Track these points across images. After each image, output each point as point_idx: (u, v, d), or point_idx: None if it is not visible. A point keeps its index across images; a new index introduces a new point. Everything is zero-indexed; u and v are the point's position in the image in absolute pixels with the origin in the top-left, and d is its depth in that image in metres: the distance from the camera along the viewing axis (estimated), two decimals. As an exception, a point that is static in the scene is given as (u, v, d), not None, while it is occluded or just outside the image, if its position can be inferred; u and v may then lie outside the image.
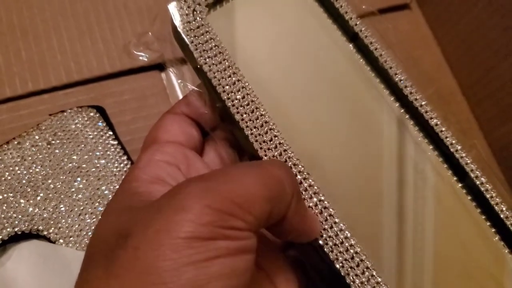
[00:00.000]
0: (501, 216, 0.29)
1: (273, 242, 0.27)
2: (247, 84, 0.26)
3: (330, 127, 0.29)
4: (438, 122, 0.29)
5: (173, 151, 0.26)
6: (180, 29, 0.26)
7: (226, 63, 0.26)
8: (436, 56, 0.51)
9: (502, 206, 0.29)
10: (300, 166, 0.25)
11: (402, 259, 0.27)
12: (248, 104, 0.26)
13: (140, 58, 0.28)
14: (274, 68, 0.28)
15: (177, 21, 0.26)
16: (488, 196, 0.29)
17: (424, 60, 0.50)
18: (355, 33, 0.30)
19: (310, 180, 0.25)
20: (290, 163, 0.25)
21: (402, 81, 0.29)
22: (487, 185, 0.29)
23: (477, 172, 0.29)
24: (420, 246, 0.28)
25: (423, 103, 0.29)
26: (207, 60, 0.26)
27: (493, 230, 0.29)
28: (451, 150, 0.29)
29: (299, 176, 0.25)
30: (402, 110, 0.30)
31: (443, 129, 0.29)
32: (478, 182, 0.29)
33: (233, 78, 0.26)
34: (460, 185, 0.29)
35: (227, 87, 0.26)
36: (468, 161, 0.29)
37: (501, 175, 0.46)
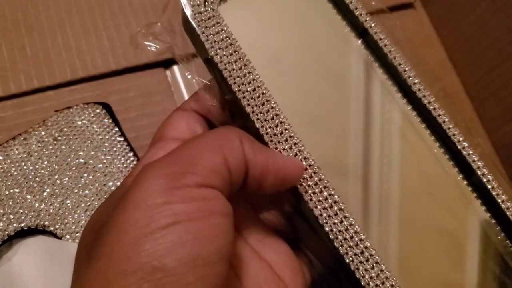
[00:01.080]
0: (507, 213, 0.29)
1: (279, 235, 0.27)
2: (257, 76, 0.26)
3: (338, 125, 0.29)
4: (446, 119, 0.29)
5: None
6: (191, 19, 0.26)
7: (237, 55, 0.26)
8: (439, 55, 0.51)
9: (508, 203, 0.29)
10: (310, 160, 0.25)
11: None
12: (259, 97, 0.26)
13: (148, 48, 0.28)
14: (282, 61, 0.28)
15: (188, 11, 0.26)
16: (494, 193, 0.29)
17: (428, 59, 0.50)
18: (365, 29, 0.30)
19: (321, 174, 0.25)
20: (300, 157, 0.25)
21: (411, 78, 0.29)
22: (494, 183, 0.29)
23: (484, 170, 0.29)
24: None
25: (431, 100, 0.29)
26: (218, 51, 0.26)
27: (498, 227, 0.29)
28: (459, 147, 0.29)
29: (309, 170, 0.25)
30: (409, 107, 0.30)
31: (451, 126, 0.29)
32: (484, 180, 0.29)
33: (244, 70, 0.26)
34: (466, 182, 0.29)
35: (238, 79, 0.26)
36: (475, 159, 0.29)
37: (504, 173, 0.46)
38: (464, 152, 0.29)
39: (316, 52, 0.29)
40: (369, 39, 0.30)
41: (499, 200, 0.29)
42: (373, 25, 0.30)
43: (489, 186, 0.29)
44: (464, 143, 0.29)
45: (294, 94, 0.28)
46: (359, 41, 0.30)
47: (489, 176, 0.29)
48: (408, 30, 0.50)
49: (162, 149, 0.25)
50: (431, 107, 0.29)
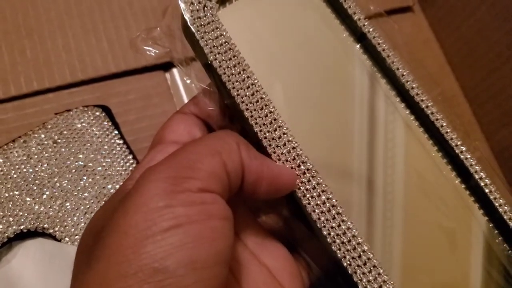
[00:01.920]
0: (505, 217, 0.29)
1: (278, 238, 0.27)
2: (256, 81, 0.26)
3: (340, 128, 0.29)
4: (444, 124, 0.29)
5: None
6: (190, 24, 0.26)
7: (236, 60, 0.26)
8: (438, 59, 0.51)
9: (505, 207, 0.29)
10: (308, 164, 0.26)
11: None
12: (257, 101, 0.26)
13: (148, 53, 0.28)
14: (281, 66, 0.29)
15: (188, 16, 0.26)
16: (492, 197, 0.29)
17: (427, 63, 0.50)
18: (363, 34, 0.30)
19: (319, 178, 0.25)
20: (298, 161, 0.26)
21: (409, 82, 0.29)
22: (491, 187, 0.29)
23: (482, 174, 0.29)
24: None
25: (429, 104, 0.29)
26: (217, 56, 0.26)
27: (496, 231, 0.29)
28: (456, 151, 0.29)
29: (307, 174, 0.25)
30: (408, 111, 0.30)
31: (449, 130, 0.29)
32: (482, 184, 0.29)
33: (243, 75, 0.26)
34: (464, 186, 0.29)
35: (237, 83, 0.26)
36: (473, 163, 0.29)
37: (502, 177, 0.46)
38: (461, 156, 0.29)
39: (315, 56, 0.30)
40: (368, 43, 0.30)
41: (497, 204, 0.29)
42: (371, 29, 0.30)
43: (487, 190, 0.29)
44: (462, 147, 0.29)
45: (294, 97, 0.28)
46: (358, 46, 0.30)
47: (486, 180, 0.29)
48: (407, 34, 0.50)
49: (161, 152, 0.25)
50: (429, 112, 0.29)
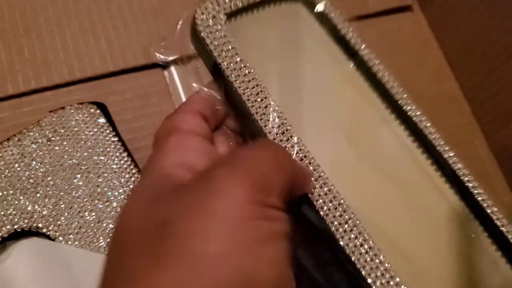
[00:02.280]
0: (495, 219, 0.29)
1: None
2: (260, 83, 0.28)
3: (338, 150, 0.30)
4: (428, 124, 0.31)
5: (198, 138, 0.26)
6: (200, 31, 0.28)
7: (243, 63, 0.28)
8: (438, 58, 0.51)
9: (480, 190, 0.30)
10: (314, 163, 0.26)
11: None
12: (261, 100, 0.27)
13: (159, 58, 0.30)
14: (279, 84, 0.30)
15: (198, 24, 0.28)
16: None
17: (426, 62, 0.50)
18: (355, 51, 0.32)
19: (329, 184, 0.26)
20: (300, 155, 0.27)
21: (398, 93, 0.31)
22: (479, 189, 0.30)
23: (474, 183, 0.30)
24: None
25: (417, 113, 0.31)
26: (225, 59, 0.28)
27: (486, 234, 0.30)
28: (447, 159, 0.30)
29: (320, 181, 0.26)
30: (398, 121, 0.32)
31: (437, 136, 0.30)
32: (455, 168, 0.30)
33: (249, 77, 0.28)
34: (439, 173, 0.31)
35: (243, 84, 0.28)
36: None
37: (502, 177, 0.46)
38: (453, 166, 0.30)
39: (311, 70, 0.31)
40: (359, 60, 0.32)
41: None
42: (362, 47, 0.32)
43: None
44: (450, 152, 0.30)
45: (291, 103, 0.30)
46: (351, 64, 0.32)
47: (474, 183, 0.30)
48: (406, 33, 0.50)
49: (186, 137, 0.25)
50: (417, 119, 0.31)
